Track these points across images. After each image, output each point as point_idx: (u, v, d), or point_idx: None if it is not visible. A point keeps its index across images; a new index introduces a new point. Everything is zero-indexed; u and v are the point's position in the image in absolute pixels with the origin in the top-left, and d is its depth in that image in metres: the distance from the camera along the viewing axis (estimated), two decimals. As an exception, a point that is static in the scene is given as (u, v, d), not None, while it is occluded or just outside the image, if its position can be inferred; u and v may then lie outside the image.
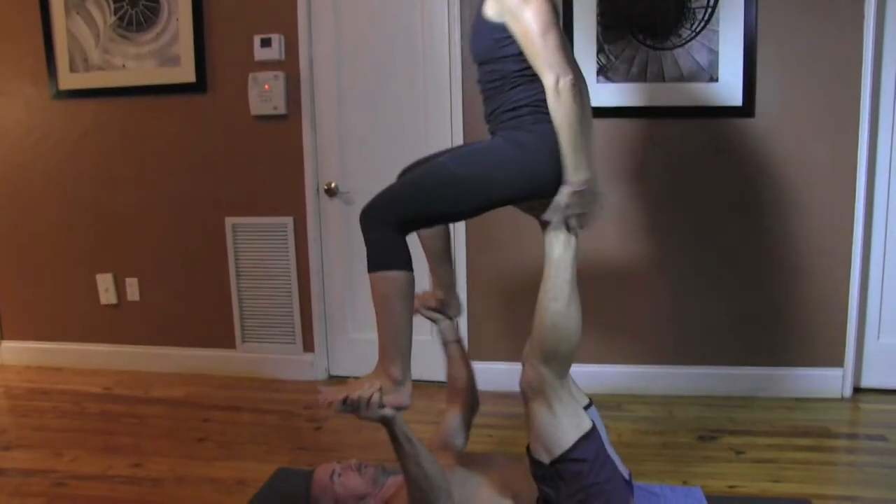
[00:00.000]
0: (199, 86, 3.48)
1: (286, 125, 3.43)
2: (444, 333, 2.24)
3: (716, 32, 3.01)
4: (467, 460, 2.06)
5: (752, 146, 3.07)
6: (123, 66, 3.54)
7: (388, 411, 1.73)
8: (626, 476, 1.84)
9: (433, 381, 3.27)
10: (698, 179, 3.14)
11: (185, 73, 3.48)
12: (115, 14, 3.50)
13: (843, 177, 3.04)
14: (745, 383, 3.22)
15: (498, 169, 1.75)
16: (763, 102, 3.03)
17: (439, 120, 3.30)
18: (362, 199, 3.43)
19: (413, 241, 1.82)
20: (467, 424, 2.26)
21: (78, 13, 3.53)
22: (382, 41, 3.30)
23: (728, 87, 3.03)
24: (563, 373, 1.78)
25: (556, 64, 1.66)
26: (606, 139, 3.13)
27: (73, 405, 3.33)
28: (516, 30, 1.71)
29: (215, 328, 3.69)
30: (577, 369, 1.83)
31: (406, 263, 1.74)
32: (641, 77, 3.10)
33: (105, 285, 3.77)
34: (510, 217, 2.17)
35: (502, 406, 2.74)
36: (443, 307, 2.20)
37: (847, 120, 2.99)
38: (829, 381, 3.17)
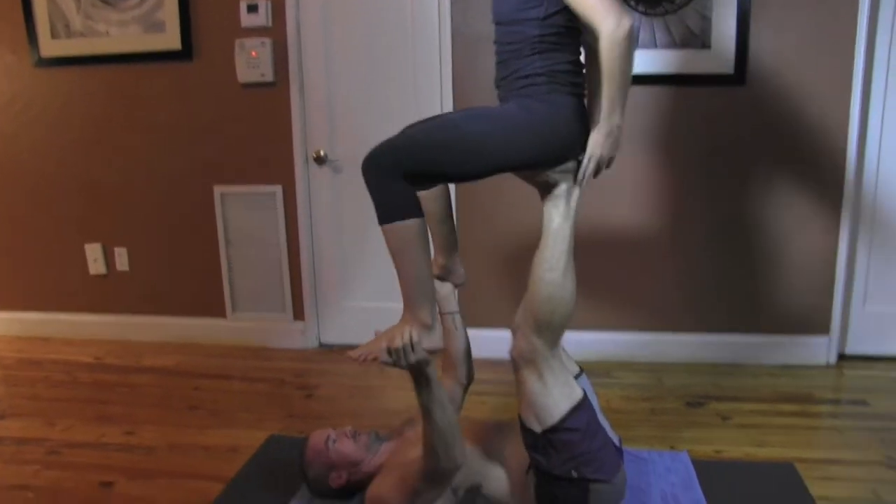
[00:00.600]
0: (184, 53, 3.42)
1: (274, 92, 3.38)
2: (441, 304, 2.16)
3: (709, -1, 2.98)
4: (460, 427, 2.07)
5: (742, 114, 3.07)
6: (107, 32, 3.47)
7: (425, 355, 1.71)
8: (617, 442, 1.86)
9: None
10: (687, 147, 3.14)
11: (171, 39, 3.42)
12: (96, -22, 3.42)
13: (832, 145, 3.04)
14: (732, 351, 3.26)
15: (509, 134, 1.72)
16: (755, 70, 3.02)
17: (429, 87, 3.26)
18: (351, 167, 3.47)
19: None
20: (461, 396, 2.25)
21: (58, -23, 3.44)
22: (371, 6, 3.25)
23: (720, 55, 3.01)
24: (554, 343, 1.79)
25: (613, 8, 1.63)
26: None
27: (64, 375, 3.34)
28: None
29: (205, 297, 3.69)
30: (566, 336, 1.84)
31: (416, 209, 1.69)
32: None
33: (94, 255, 3.75)
34: (504, 183, 2.15)
35: (496, 373, 2.77)
36: (445, 274, 2.15)
37: (839, 87, 2.99)
38: (814, 349, 3.22)
